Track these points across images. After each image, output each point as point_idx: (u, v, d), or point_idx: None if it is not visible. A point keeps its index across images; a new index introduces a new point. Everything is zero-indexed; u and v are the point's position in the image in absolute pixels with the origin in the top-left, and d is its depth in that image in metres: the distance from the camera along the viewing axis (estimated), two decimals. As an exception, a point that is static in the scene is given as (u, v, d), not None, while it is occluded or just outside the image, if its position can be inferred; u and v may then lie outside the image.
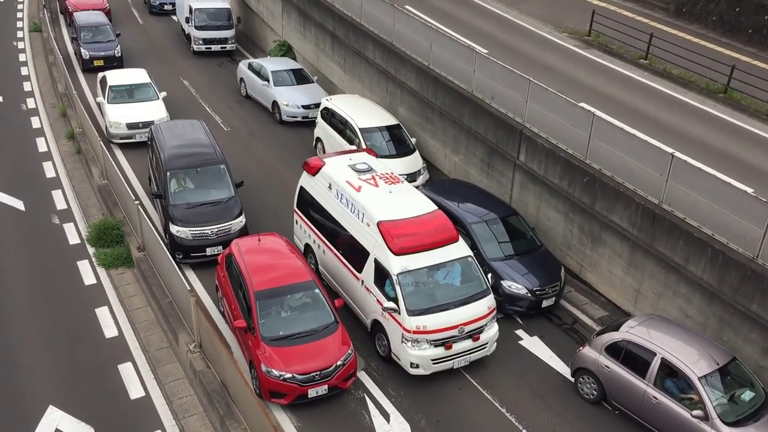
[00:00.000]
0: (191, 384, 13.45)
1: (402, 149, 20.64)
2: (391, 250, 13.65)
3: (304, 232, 16.69)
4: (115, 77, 24.22)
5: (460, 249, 14.23)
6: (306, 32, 27.97)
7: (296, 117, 24.55)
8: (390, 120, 21.35)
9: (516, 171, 18.02)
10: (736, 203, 13.22)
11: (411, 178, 19.46)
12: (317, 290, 13.82)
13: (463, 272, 14.06)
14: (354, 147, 20.37)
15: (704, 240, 13.67)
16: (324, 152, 21.98)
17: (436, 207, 14.91)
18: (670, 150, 14.60)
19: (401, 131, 21.11)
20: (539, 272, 15.74)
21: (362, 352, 14.32)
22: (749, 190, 13.72)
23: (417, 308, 13.28)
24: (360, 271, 14.45)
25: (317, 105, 23.31)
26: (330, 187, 15.62)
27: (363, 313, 14.66)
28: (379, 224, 14.02)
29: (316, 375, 12.69)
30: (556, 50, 23.99)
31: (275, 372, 12.55)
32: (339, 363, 12.91)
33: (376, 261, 13.93)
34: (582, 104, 17.12)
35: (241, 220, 17.18)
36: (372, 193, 14.97)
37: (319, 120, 22.29)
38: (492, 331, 13.98)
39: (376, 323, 14.18)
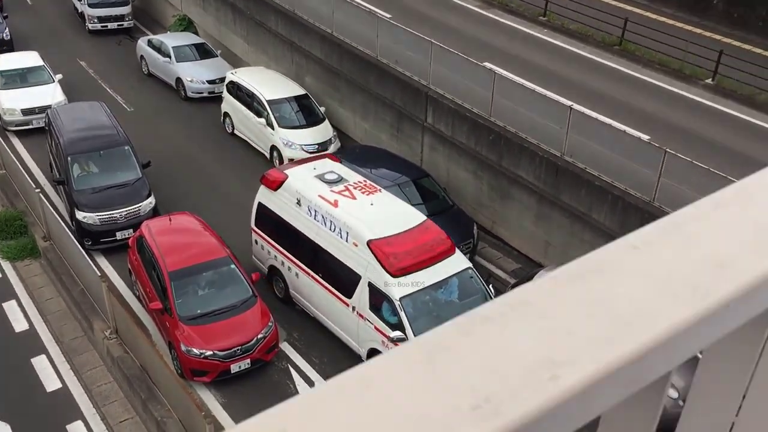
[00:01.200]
0: (110, 371, 13.23)
1: (312, 119, 20.52)
2: (388, 272, 12.34)
3: (268, 253, 15.02)
4: (6, 62, 23.07)
5: (459, 261, 13.16)
6: (206, 5, 27.24)
7: (202, 93, 23.99)
8: (297, 90, 21.15)
9: (425, 133, 18.23)
10: (632, 150, 13.80)
11: (322, 147, 19.42)
12: (233, 266, 13.73)
13: (465, 286, 13.05)
14: (263, 120, 20.14)
15: (604, 188, 14.23)
16: (233, 128, 21.64)
17: (425, 217, 13.70)
18: (568, 103, 15.08)
19: (310, 101, 20.96)
20: (453, 231, 15.92)
21: (282, 323, 14.34)
22: (645, 137, 14.33)
23: None
24: (349, 297, 13.08)
25: (222, 79, 22.82)
26: (299, 203, 13.99)
27: (356, 341, 13.29)
28: (369, 243, 12.63)
29: (238, 350, 12.69)
30: (458, 12, 24.19)
31: (195, 350, 12.48)
32: (260, 336, 12.93)
33: (370, 285, 12.64)
34: (485, 64, 17.41)
35: (150, 202, 16.80)
36: (352, 207, 13.42)
37: (226, 95, 21.89)
38: None
39: (374, 352, 12.80)
